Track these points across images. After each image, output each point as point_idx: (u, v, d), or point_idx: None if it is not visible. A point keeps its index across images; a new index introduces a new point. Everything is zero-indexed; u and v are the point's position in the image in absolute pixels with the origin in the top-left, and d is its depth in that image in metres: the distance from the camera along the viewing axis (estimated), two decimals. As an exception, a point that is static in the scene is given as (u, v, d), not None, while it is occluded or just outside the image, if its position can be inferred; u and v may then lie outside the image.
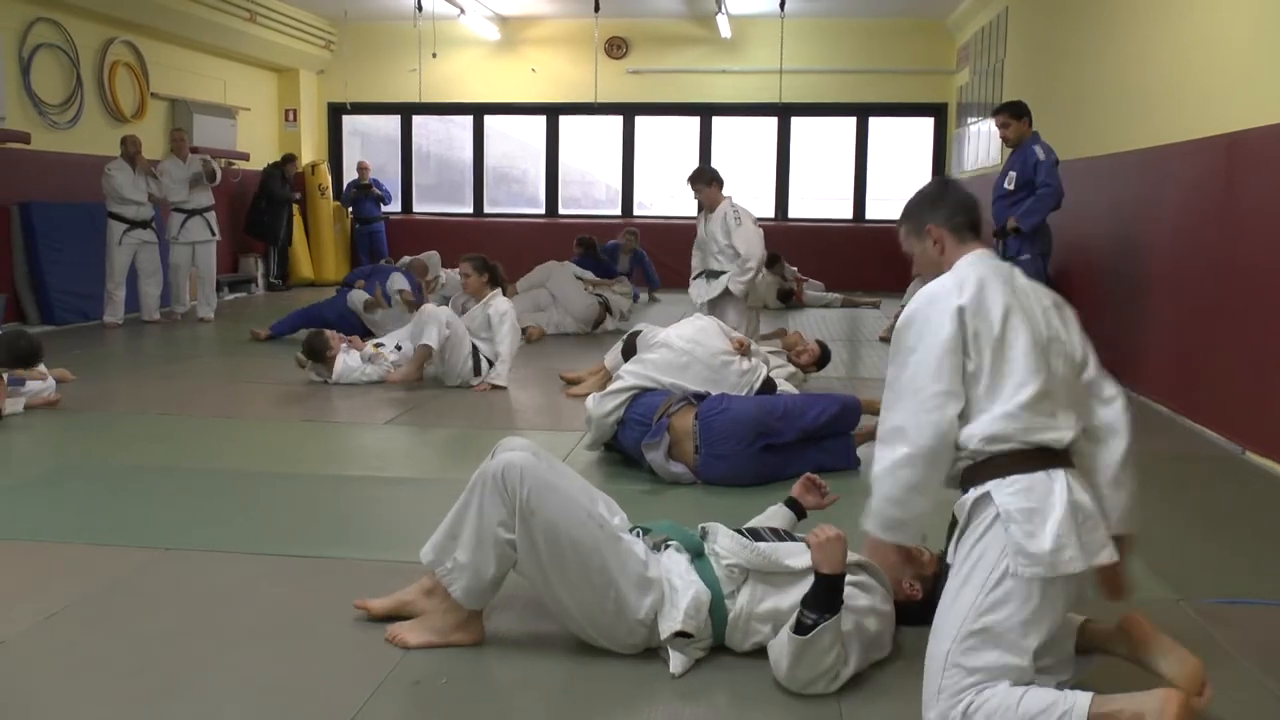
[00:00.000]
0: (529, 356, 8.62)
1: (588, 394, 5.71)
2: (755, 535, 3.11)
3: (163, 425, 6.16)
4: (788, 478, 4.56)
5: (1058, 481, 2.52)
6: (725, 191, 8.28)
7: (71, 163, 10.76)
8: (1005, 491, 2.51)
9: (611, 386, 5.14)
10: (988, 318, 2.61)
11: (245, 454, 5.53)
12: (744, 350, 5.55)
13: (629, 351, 6.02)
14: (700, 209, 8.49)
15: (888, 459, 2.61)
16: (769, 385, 5.45)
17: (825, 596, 2.74)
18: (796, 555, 2.97)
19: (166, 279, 11.04)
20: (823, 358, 6.95)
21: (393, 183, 16.08)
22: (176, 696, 2.78)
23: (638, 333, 6.17)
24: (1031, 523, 2.46)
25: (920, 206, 2.97)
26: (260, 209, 13.73)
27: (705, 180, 8.32)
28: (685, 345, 5.31)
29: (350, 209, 15.08)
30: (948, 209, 2.88)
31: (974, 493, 2.57)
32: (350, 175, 15.37)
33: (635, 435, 4.90)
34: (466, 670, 2.94)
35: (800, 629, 2.73)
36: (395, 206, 16.00)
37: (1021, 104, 6.97)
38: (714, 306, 8.15)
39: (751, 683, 2.89)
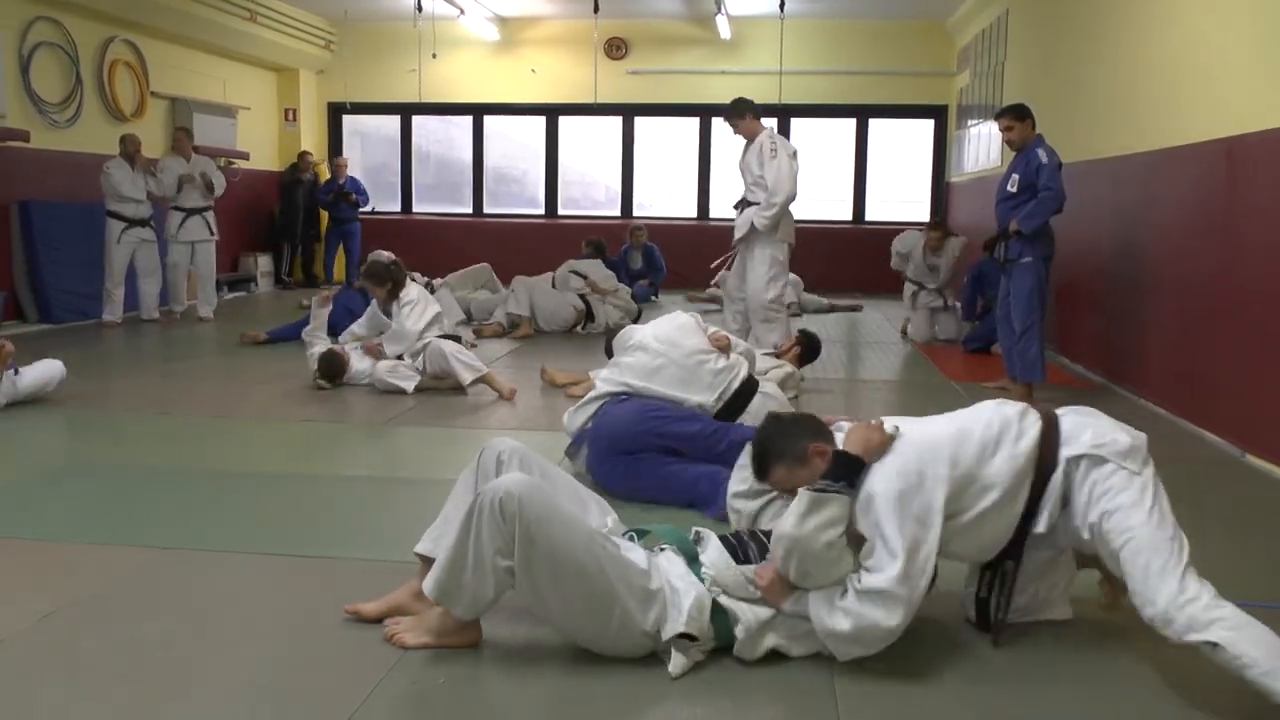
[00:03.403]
0: (522, 356, 8.61)
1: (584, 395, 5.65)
2: (743, 545, 3.10)
3: (161, 425, 6.15)
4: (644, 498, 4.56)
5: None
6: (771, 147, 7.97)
7: (71, 161, 10.75)
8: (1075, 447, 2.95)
9: (585, 397, 5.09)
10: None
11: (244, 454, 5.52)
12: (724, 348, 5.34)
13: (609, 353, 5.94)
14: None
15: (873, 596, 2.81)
16: (749, 385, 5.22)
17: (843, 471, 2.86)
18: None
19: (165, 277, 11.02)
20: (808, 350, 6.85)
21: (392, 183, 16.09)
22: (174, 696, 2.77)
23: (620, 330, 6.05)
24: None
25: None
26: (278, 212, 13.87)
27: (740, 112, 8.09)
28: (660, 346, 5.08)
29: (327, 206, 14.59)
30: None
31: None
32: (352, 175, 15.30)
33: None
34: (464, 671, 2.93)
35: (811, 489, 2.84)
36: (394, 206, 16.01)
37: (1024, 107, 6.96)
38: (746, 244, 8.08)
39: (751, 684, 2.88)
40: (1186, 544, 2.79)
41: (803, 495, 2.84)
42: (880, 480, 2.87)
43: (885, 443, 2.93)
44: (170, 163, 10.89)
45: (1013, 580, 3.08)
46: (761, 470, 3.11)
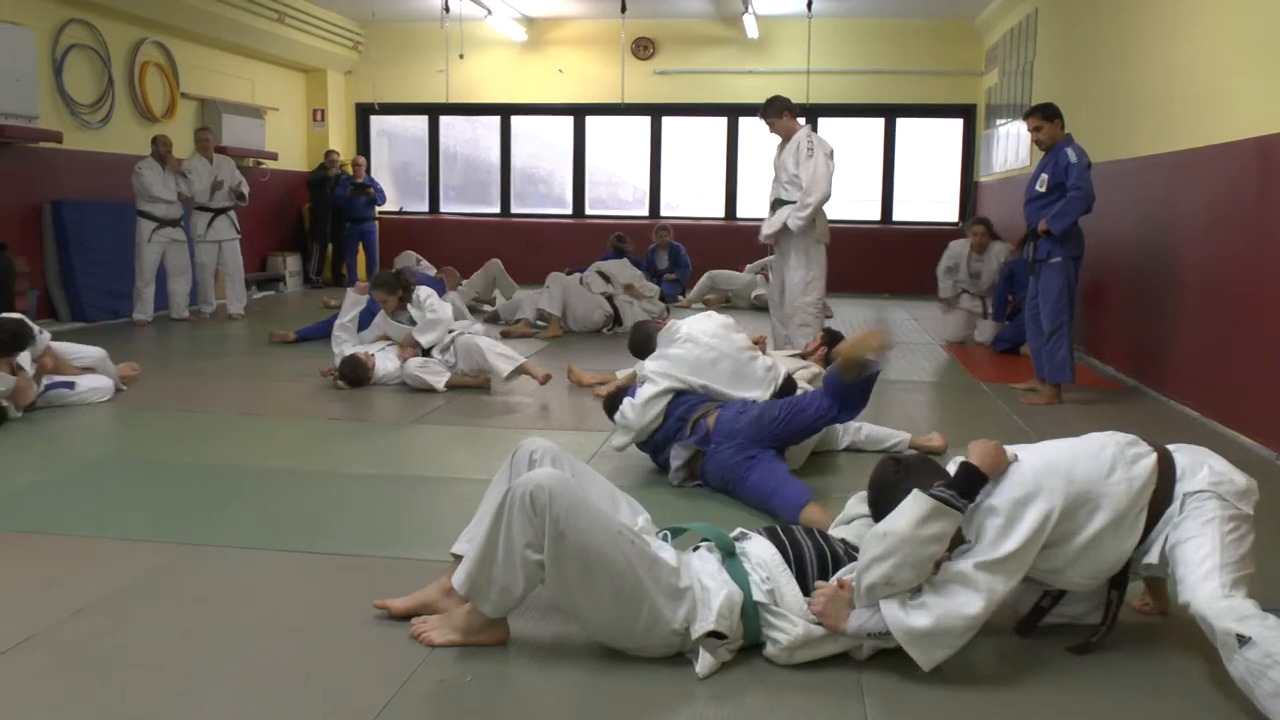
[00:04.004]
0: (550, 356, 8.63)
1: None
2: (794, 544, 3.08)
3: (190, 422, 6.20)
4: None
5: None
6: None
7: (102, 162, 10.86)
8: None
9: (648, 393, 4.93)
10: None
11: (272, 451, 5.55)
12: (762, 347, 5.49)
13: (641, 344, 5.90)
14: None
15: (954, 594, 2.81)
16: (790, 385, 5.30)
17: (963, 484, 2.82)
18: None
19: (195, 277, 11.13)
20: (833, 349, 6.81)
21: (420, 184, 16.15)
22: (201, 692, 2.79)
23: (646, 325, 6.03)
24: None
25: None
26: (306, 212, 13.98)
27: (776, 111, 8.01)
28: (711, 340, 5.15)
29: (345, 206, 14.45)
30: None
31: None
32: (378, 175, 15.41)
33: (671, 429, 4.85)
34: (491, 670, 2.94)
35: (933, 497, 2.78)
36: (422, 207, 16.08)
37: (1053, 106, 6.91)
38: (778, 243, 8.03)
39: (780, 683, 2.88)
40: (1251, 573, 2.79)
41: (921, 499, 2.79)
42: (996, 488, 2.88)
43: (1005, 464, 2.91)
44: (196, 164, 11.01)
45: (1118, 608, 3.08)
46: (886, 510, 2.97)
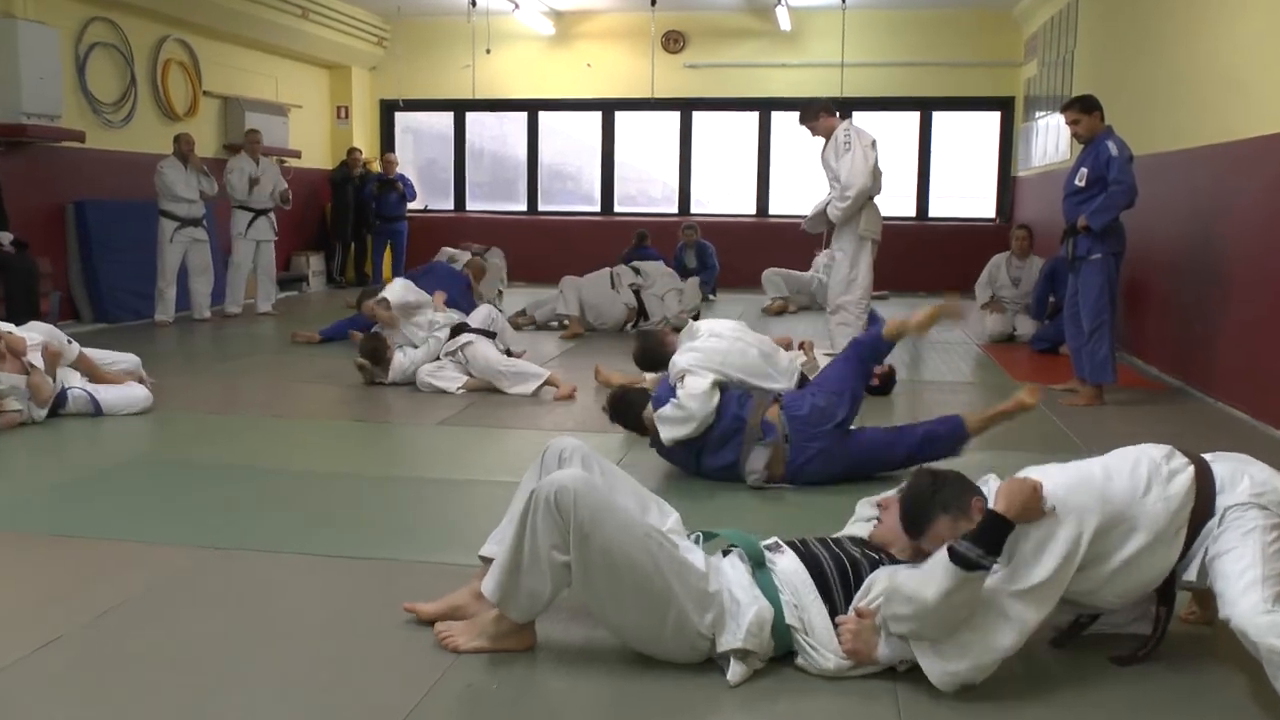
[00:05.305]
0: (574, 356, 8.65)
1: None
2: (818, 567, 3.06)
3: (214, 424, 6.27)
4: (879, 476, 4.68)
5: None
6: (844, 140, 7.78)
7: (125, 161, 10.97)
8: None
9: (701, 383, 4.83)
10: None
11: (296, 453, 5.60)
12: (785, 345, 5.59)
13: (650, 353, 5.92)
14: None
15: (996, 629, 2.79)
16: (803, 381, 5.36)
17: (989, 535, 2.73)
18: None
19: (218, 276, 11.24)
20: (884, 384, 6.89)
21: (445, 181, 16.22)
22: (226, 696, 2.82)
23: (653, 334, 6.04)
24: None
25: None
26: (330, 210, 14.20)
27: (813, 115, 7.93)
28: (736, 333, 5.24)
29: (374, 205, 14.44)
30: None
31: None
32: (403, 172, 15.41)
33: (727, 428, 4.84)
34: (519, 675, 2.97)
35: (960, 560, 2.70)
36: (448, 204, 16.15)
37: (1092, 98, 6.87)
38: (836, 238, 8.00)
39: (811, 693, 2.88)
40: None
41: (950, 571, 2.71)
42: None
43: (1039, 510, 2.80)
44: (241, 163, 11.21)
45: (1166, 622, 3.04)
46: (919, 524, 2.95)
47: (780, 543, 3.16)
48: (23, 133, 9.42)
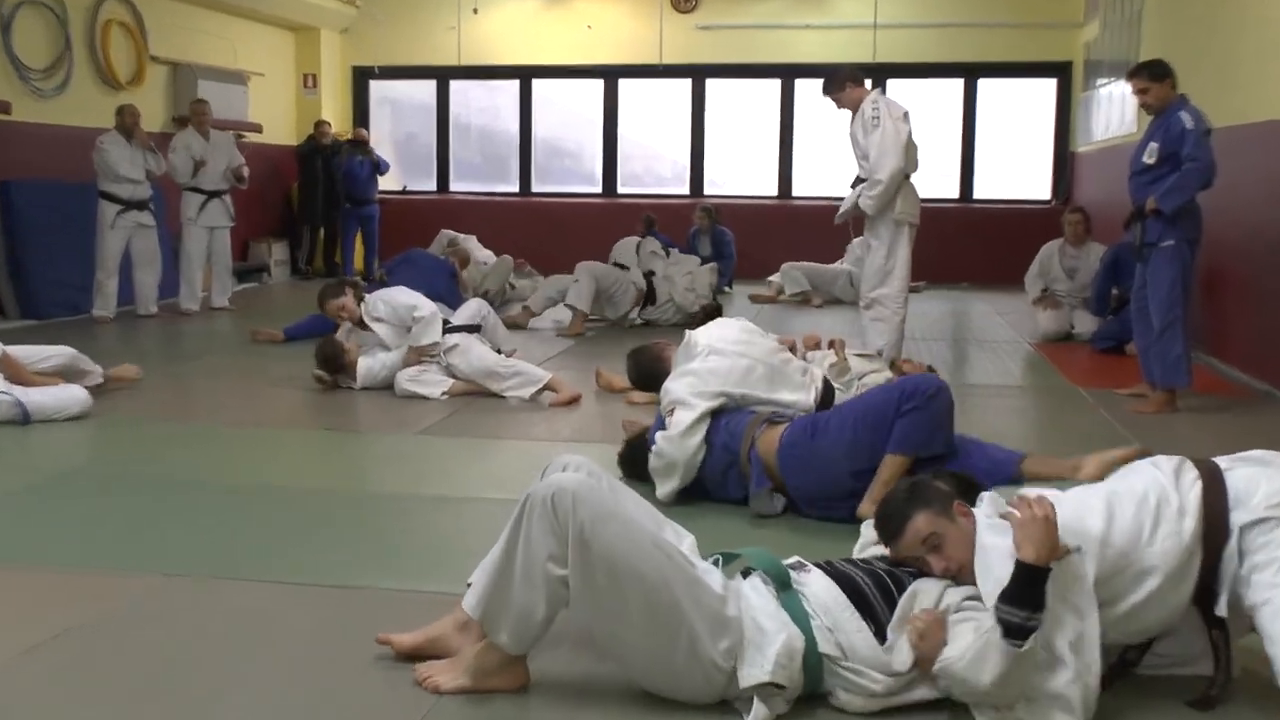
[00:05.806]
0: (574, 358, 8.64)
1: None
2: (853, 585, 3.04)
3: (162, 432, 6.28)
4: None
5: None
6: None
7: (58, 135, 10.94)
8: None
9: (684, 420, 4.85)
10: None
11: (260, 466, 5.64)
12: (793, 349, 5.52)
13: (647, 371, 5.90)
14: None
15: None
16: (829, 388, 5.33)
17: (1027, 591, 2.70)
18: (896, 651, 2.93)
19: (166, 267, 11.16)
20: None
21: (427, 158, 16.20)
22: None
23: (648, 349, 6.02)
24: None
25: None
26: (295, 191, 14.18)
27: (839, 85, 7.88)
28: (736, 348, 5.15)
29: (345, 181, 14.23)
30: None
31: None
32: (379, 149, 15.31)
33: (719, 461, 4.82)
34: (508, 718, 2.92)
35: (1011, 631, 2.68)
36: (429, 185, 16.13)
37: (1162, 63, 6.82)
38: (868, 224, 7.95)
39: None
40: None
41: (1001, 646, 2.69)
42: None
43: (1061, 548, 2.78)
44: (188, 139, 11.10)
45: (1228, 653, 2.98)
46: (896, 522, 3.03)
47: (805, 562, 3.14)
48: (-65, 104, 9.40)
